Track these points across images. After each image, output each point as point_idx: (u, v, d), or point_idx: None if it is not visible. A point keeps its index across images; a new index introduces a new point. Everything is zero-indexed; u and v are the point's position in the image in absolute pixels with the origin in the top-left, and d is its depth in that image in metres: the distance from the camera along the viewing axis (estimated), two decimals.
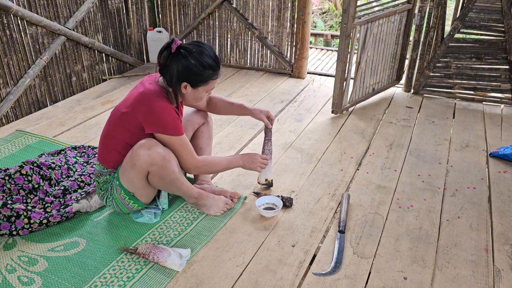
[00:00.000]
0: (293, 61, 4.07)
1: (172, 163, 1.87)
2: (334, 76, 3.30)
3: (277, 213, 2.09)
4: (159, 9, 4.36)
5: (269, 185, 2.29)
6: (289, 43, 4.02)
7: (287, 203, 2.16)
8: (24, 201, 2.08)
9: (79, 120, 3.14)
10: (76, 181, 2.23)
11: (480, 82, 3.50)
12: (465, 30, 3.44)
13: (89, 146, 2.63)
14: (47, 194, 2.15)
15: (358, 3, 2.98)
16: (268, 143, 2.20)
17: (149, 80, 1.91)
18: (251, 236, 1.96)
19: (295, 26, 3.91)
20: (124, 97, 2.01)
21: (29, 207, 2.01)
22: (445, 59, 3.52)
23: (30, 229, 1.93)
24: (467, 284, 1.72)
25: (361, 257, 1.85)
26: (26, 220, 1.93)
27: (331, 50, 5.51)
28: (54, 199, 2.11)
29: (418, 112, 3.37)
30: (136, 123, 1.84)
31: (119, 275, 1.72)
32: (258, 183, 2.29)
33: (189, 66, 1.80)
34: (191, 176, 2.34)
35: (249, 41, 4.15)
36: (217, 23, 4.20)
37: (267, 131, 2.20)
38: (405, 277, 1.74)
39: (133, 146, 1.87)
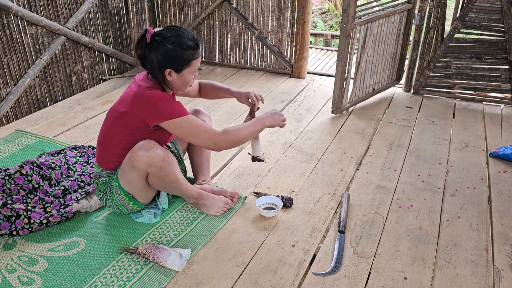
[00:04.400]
0: (293, 61, 4.07)
1: (171, 164, 1.87)
2: (334, 76, 3.30)
3: (277, 213, 2.09)
4: (159, 9, 4.36)
5: (260, 160, 2.10)
6: (289, 43, 4.02)
7: (287, 203, 2.16)
8: (24, 201, 2.08)
9: (79, 120, 3.14)
10: (76, 181, 2.23)
11: (480, 82, 3.50)
12: (465, 30, 3.44)
13: (89, 146, 2.63)
14: (47, 194, 2.15)
15: (358, 3, 2.98)
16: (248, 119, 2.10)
17: (141, 77, 1.91)
18: (251, 236, 1.96)
19: (295, 26, 3.91)
20: None
21: (29, 207, 2.01)
22: (445, 59, 3.52)
23: (30, 229, 1.93)
24: (467, 284, 1.73)
25: (361, 257, 1.85)
26: (26, 220, 1.93)
27: (331, 50, 5.51)
28: (54, 199, 2.11)
29: (418, 112, 3.37)
30: (137, 121, 1.82)
31: (119, 275, 1.72)
32: (254, 158, 2.10)
33: (168, 51, 1.76)
34: (191, 176, 2.34)
35: (249, 41, 4.15)
36: (217, 23, 4.20)
37: (251, 110, 2.13)
38: (405, 277, 1.74)
39: (132, 147, 1.87)
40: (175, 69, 1.81)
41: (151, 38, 1.77)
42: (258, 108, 2.14)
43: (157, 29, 1.82)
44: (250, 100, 2.14)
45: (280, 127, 2.05)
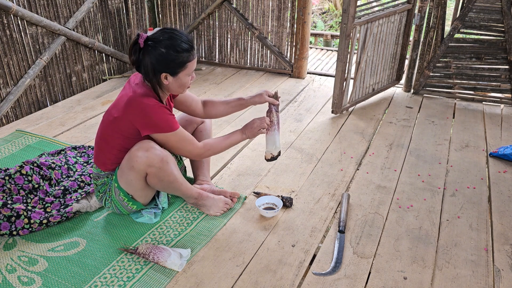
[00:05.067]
0: (293, 61, 4.07)
1: (170, 164, 1.87)
2: (334, 76, 3.30)
3: (277, 213, 2.09)
4: (159, 9, 4.36)
5: (274, 158, 2.05)
6: (289, 43, 4.02)
7: (287, 203, 2.16)
8: (24, 201, 2.08)
9: (79, 120, 3.14)
10: (76, 181, 2.23)
11: (480, 82, 3.50)
12: (465, 30, 3.44)
13: (89, 146, 2.63)
14: (47, 194, 2.15)
15: (358, 3, 2.98)
16: (271, 114, 2.02)
17: (136, 80, 1.88)
18: (251, 236, 1.96)
19: (295, 26, 3.91)
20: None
21: (29, 207, 2.01)
22: (445, 59, 3.52)
23: (30, 229, 1.93)
24: (467, 284, 1.73)
25: (361, 257, 1.85)
26: (26, 220, 1.93)
27: (331, 50, 5.51)
28: (54, 199, 2.11)
29: (418, 112, 3.37)
30: (131, 127, 1.82)
31: (119, 275, 1.72)
32: (265, 159, 2.06)
33: (161, 54, 1.73)
34: (191, 176, 2.34)
35: (249, 41, 4.15)
36: (217, 23, 4.20)
37: (272, 107, 2.04)
38: (405, 277, 1.75)
39: (130, 148, 1.86)
40: (170, 73, 1.79)
41: (144, 42, 1.75)
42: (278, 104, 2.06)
43: (149, 33, 1.80)
44: (270, 99, 2.04)
45: (262, 133, 2.02)
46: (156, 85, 1.81)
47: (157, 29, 1.82)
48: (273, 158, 2.04)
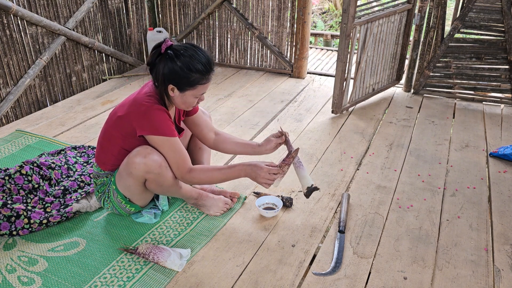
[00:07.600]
0: (293, 61, 4.07)
1: (169, 169, 1.85)
2: (334, 76, 3.30)
3: (277, 213, 2.09)
4: (159, 9, 4.36)
5: (316, 188, 1.92)
6: (289, 43, 4.02)
7: (287, 203, 2.16)
8: (24, 201, 2.08)
9: (79, 120, 3.14)
10: (76, 181, 2.23)
11: (480, 82, 3.50)
12: (465, 30, 3.44)
13: (89, 146, 2.63)
14: (47, 194, 2.15)
15: (358, 3, 2.98)
16: (288, 158, 1.89)
17: (148, 84, 1.88)
18: (251, 236, 1.96)
19: (295, 26, 3.91)
20: (124, 98, 1.97)
21: (29, 207, 2.01)
22: (445, 59, 3.52)
23: (30, 229, 1.93)
24: (467, 284, 1.72)
25: (361, 257, 1.85)
26: (26, 220, 1.93)
27: (331, 50, 5.50)
28: (54, 199, 2.11)
29: (418, 112, 3.37)
30: (130, 127, 1.81)
31: (119, 275, 1.72)
32: (308, 191, 1.93)
33: (175, 68, 1.73)
34: None
35: (249, 41, 4.15)
36: (217, 23, 4.20)
37: (289, 148, 1.98)
38: (405, 277, 1.74)
39: (128, 151, 1.86)
40: (178, 87, 1.78)
41: (165, 50, 1.75)
42: (293, 150, 1.91)
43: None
44: (278, 139, 2.01)
45: (265, 187, 1.85)
46: (163, 93, 1.81)
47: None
48: (312, 189, 1.92)
